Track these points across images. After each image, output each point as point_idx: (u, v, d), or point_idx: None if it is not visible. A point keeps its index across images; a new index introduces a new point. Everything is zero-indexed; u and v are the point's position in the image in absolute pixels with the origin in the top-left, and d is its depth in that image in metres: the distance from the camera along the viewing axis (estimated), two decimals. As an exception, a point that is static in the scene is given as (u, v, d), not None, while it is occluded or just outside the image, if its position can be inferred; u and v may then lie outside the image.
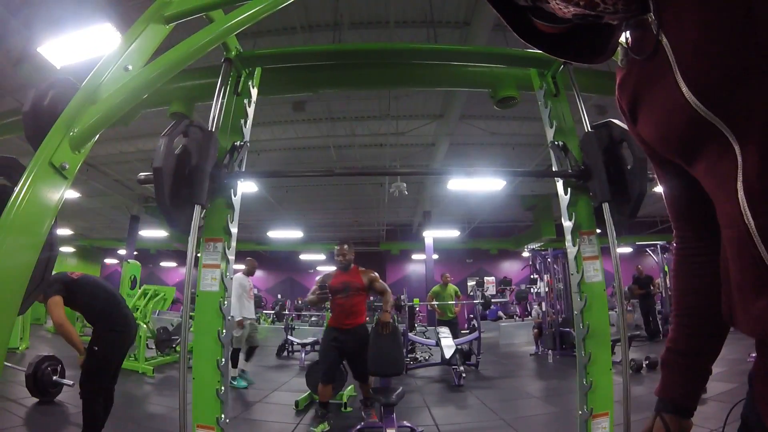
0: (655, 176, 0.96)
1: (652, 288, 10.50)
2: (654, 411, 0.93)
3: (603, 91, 5.65)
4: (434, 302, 8.71)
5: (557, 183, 2.38)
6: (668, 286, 10.90)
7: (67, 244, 20.05)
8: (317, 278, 4.39)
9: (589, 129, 2.24)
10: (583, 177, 2.22)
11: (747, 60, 0.62)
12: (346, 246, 4.38)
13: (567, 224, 2.31)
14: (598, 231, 2.29)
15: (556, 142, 2.36)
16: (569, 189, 2.31)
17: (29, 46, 4.72)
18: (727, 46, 0.63)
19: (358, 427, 3.85)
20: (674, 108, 0.73)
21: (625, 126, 2.16)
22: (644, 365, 6.21)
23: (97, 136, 1.49)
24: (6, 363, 5.55)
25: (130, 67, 1.67)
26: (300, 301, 16.43)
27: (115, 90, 1.53)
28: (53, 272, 3.31)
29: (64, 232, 18.00)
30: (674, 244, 0.97)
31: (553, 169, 2.43)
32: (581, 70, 2.44)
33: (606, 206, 2.10)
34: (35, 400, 4.35)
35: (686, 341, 0.92)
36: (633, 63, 0.87)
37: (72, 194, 10.97)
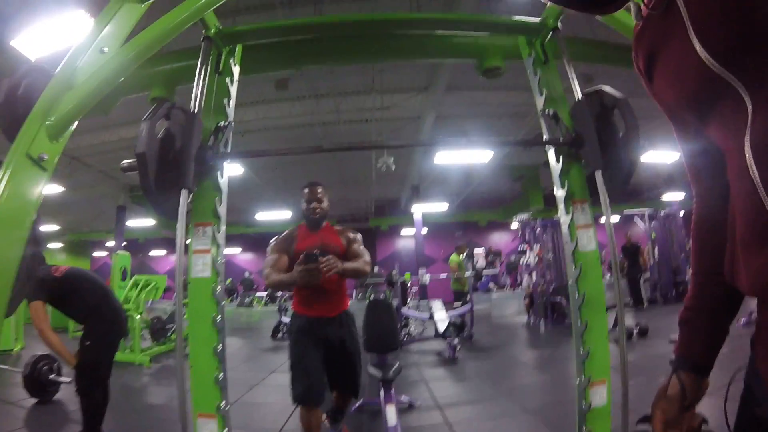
0: (675, 136, 0.94)
1: (641, 258, 10.66)
2: (671, 369, 0.93)
3: (590, 59, 5.60)
4: (457, 274, 8.69)
5: (549, 152, 2.35)
6: (656, 252, 11.11)
7: (55, 239, 19.83)
8: (270, 244, 2.84)
9: (580, 97, 2.21)
10: (575, 145, 2.20)
11: (761, 24, 0.61)
12: (320, 188, 2.88)
13: (559, 193, 2.28)
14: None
15: (546, 111, 2.33)
16: (561, 157, 2.29)
17: (1, 40, 4.54)
18: (739, 9, 0.63)
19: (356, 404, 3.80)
20: (689, 66, 0.73)
21: (617, 93, 2.13)
22: (635, 333, 6.32)
23: (76, 123, 1.43)
24: (1, 366, 5.55)
25: (106, 50, 1.60)
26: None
27: (91, 74, 1.46)
28: (39, 270, 3.26)
29: (51, 227, 17.78)
30: (693, 204, 0.96)
31: (544, 138, 2.40)
32: (569, 39, 2.39)
33: (599, 174, 2.08)
34: (34, 400, 4.30)
35: (704, 300, 0.92)
36: (648, 18, 0.85)
37: (56, 188, 10.78)
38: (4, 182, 1.22)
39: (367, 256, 2.80)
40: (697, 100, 0.75)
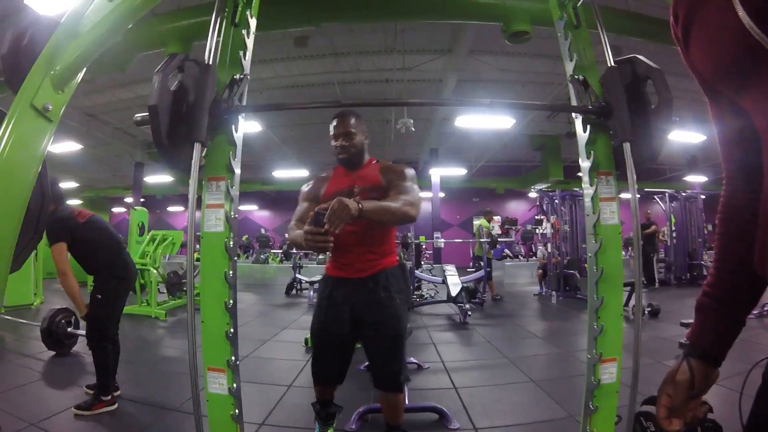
0: (709, 111, 0.87)
1: (657, 236, 10.54)
2: (682, 354, 0.89)
3: (620, 31, 5.39)
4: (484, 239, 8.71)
5: (576, 120, 2.25)
6: (673, 234, 10.97)
7: (74, 196, 20.18)
8: (301, 190, 2.50)
9: (612, 64, 2.09)
10: (603, 114, 2.09)
11: None
12: (352, 119, 2.33)
13: (584, 164, 2.19)
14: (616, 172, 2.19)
15: (576, 76, 2.21)
16: (588, 126, 2.18)
17: None
18: None
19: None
20: (728, 32, 0.66)
21: (651, 63, 2.01)
22: (646, 312, 6.27)
23: (82, 73, 1.38)
24: (21, 320, 5.76)
25: (114, -3, 1.53)
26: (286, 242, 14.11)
27: (97, 22, 1.40)
28: (63, 210, 3.28)
29: (69, 185, 18.06)
30: (723, 185, 0.90)
31: (572, 105, 2.29)
32: (601, 7, 2.26)
33: (627, 146, 1.98)
34: (52, 353, 4.42)
35: (724, 288, 0.87)
36: None
37: (74, 146, 10.88)
38: (7, 133, 1.19)
39: (412, 195, 2.12)
40: (735, 69, 0.69)
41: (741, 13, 0.62)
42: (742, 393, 0.87)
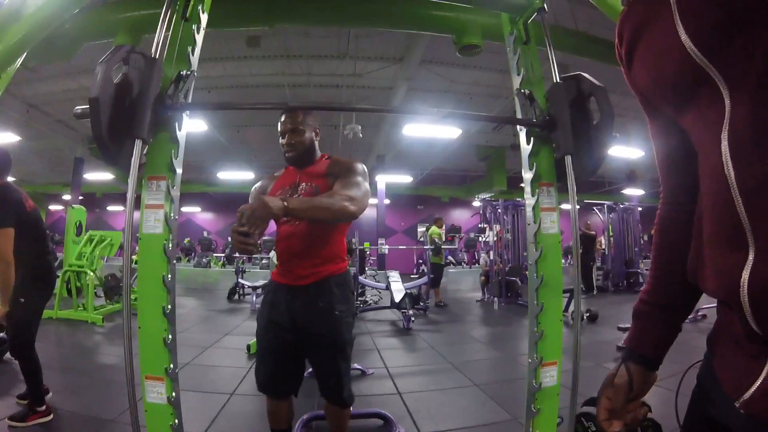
0: (648, 127, 0.92)
1: (598, 246, 11.08)
2: (621, 359, 0.93)
3: (568, 49, 5.64)
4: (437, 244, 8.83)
5: (520, 132, 2.33)
6: (611, 244, 11.57)
7: (10, 191, 18.74)
8: (253, 189, 2.41)
9: (558, 80, 2.19)
10: (547, 127, 2.19)
11: (741, 11, 0.59)
12: (299, 116, 2.18)
13: (527, 174, 2.28)
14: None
15: (522, 90, 2.30)
16: (532, 139, 2.27)
17: None
18: None
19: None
20: (669, 52, 0.70)
21: (594, 80, 2.13)
22: (585, 318, 6.57)
23: (22, 58, 1.30)
24: None
25: (59, -20, 1.45)
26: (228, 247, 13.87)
27: (42, 4, 1.33)
28: (13, 190, 2.97)
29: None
30: (660, 199, 0.95)
31: (518, 117, 2.38)
32: (550, 25, 2.36)
33: (568, 159, 2.08)
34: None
35: (660, 294, 0.92)
36: (635, 2, 0.82)
37: (12, 138, 10.16)
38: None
39: (355, 190, 1.97)
40: (675, 88, 0.73)
41: (683, 36, 0.67)
42: (678, 393, 0.92)
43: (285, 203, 1.64)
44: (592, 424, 2.13)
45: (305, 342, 2.09)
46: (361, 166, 2.17)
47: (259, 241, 1.60)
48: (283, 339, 2.09)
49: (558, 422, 2.07)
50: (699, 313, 6.23)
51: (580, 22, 5.97)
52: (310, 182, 2.13)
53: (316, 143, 2.26)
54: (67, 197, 17.79)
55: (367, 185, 2.08)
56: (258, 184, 2.37)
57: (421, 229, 18.88)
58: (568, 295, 5.85)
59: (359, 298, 7.99)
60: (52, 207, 22.67)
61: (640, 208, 12.39)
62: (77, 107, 1.91)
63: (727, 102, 0.62)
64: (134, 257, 2.51)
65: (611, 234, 11.85)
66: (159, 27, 1.96)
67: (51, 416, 2.97)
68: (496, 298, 9.04)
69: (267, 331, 2.12)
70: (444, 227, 10.06)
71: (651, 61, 0.78)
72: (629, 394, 0.88)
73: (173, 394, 1.92)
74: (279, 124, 2.20)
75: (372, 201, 17.57)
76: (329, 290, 2.07)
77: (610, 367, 0.95)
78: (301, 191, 2.11)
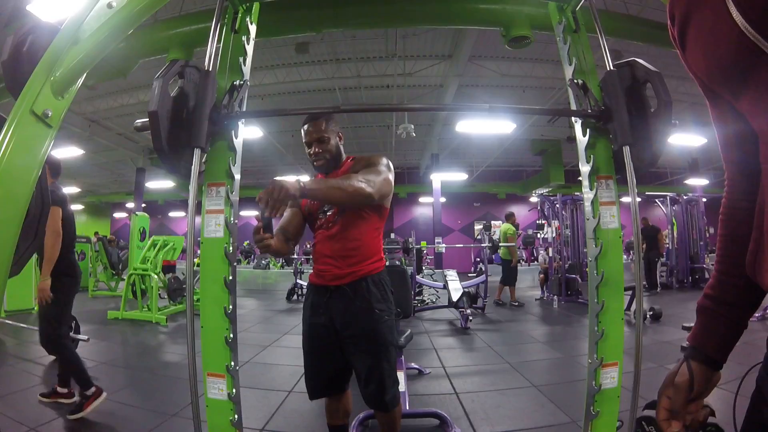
0: (710, 113, 0.86)
1: (664, 241, 10.50)
2: (683, 356, 0.88)
3: (619, 34, 5.40)
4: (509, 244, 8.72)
5: (575, 124, 2.25)
6: (674, 238, 10.94)
7: (76, 201, 20.22)
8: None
9: (611, 68, 2.09)
10: (603, 118, 2.09)
11: None
12: (322, 124, 2.15)
13: (584, 168, 2.19)
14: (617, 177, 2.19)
15: (575, 80, 2.21)
16: (588, 130, 2.18)
17: (18, 4, 4.47)
18: None
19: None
20: (723, 33, 0.65)
21: (650, 66, 2.02)
22: (648, 317, 6.25)
23: (82, 79, 1.39)
24: (21, 324, 5.74)
25: (114, 4, 1.54)
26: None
27: (98, 27, 1.41)
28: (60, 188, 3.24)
29: (71, 189, 18.15)
30: (725, 187, 0.89)
31: (572, 109, 2.29)
32: (600, 11, 2.26)
33: (626, 150, 1.98)
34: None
35: (725, 290, 0.86)
36: None
37: (76, 151, 10.95)
38: (7, 138, 1.20)
39: (372, 175, 1.94)
40: (732, 71, 0.68)
41: (735, 14, 0.62)
42: (737, 396, 0.86)
43: (301, 183, 1.65)
44: (653, 428, 2.02)
45: (346, 344, 2.04)
46: (383, 159, 2.12)
47: (295, 247, 1.70)
48: (326, 341, 2.07)
49: (618, 426, 1.98)
50: (767, 311, 5.77)
51: (630, 5, 5.70)
52: None
53: (341, 147, 2.24)
54: (130, 205, 18.92)
55: (388, 174, 2.05)
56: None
57: (478, 227, 18.63)
58: (630, 292, 5.60)
59: (417, 298, 7.98)
60: (117, 215, 24.16)
61: (704, 199, 11.65)
62: (137, 120, 2.01)
63: None
64: (196, 260, 2.62)
65: (675, 227, 11.16)
66: (210, 40, 2.04)
67: (104, 395, 3.12)
68: (555, 297, 8.77)
69: (310, 335, 2.13)
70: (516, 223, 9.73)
71: (703, 42, 0.73)
72: (690, 394, 0.84)
73: (233, 390, 1.99)
74: (303, 134, 2.17)
75: (427, 200, 17.51)
76: (367, 289, 2.03)
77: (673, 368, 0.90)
78: None
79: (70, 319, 3.27)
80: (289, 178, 1.62)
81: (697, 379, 0.84)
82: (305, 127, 2.14)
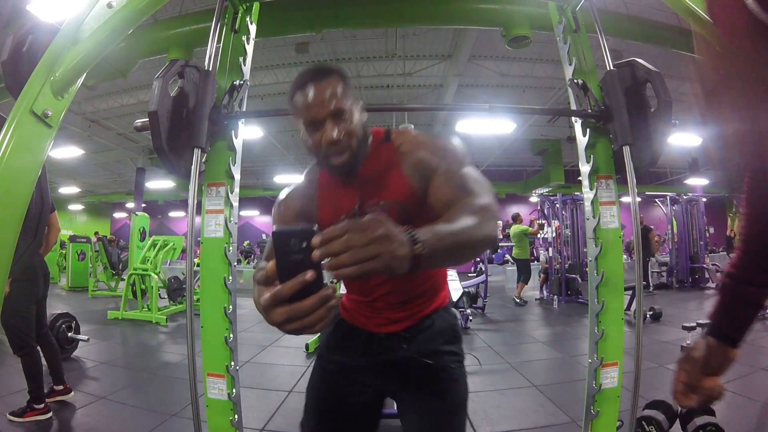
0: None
1: (655, 240, 10.48)
2: (703, 333, 0.90)
3: (619, 34, 5.39)
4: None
5: (575, 124, 2.25)
6: (675, 238, 10.90)
7: (76, 201, 20.19)
8: (274, 208, 1.33)
9: (611, 68, 2.10)
10: (603, 118, 2.10)
11: None
12: (339, 85, 1.09)
13: (584, 167, 2.20)
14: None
15: (575, 80, 2.21)
16: (588, 130, 2.19)
17: (18, 5, 4.46)
18: None
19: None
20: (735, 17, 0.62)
21: (650, 66, 2.01)
22: (648, 316, 6.25)
23: (81, 79, 1.39)
24: None
25: (113, 4, 1.54)
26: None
27: (98, 27, 1.41)
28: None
29: (71, 190, 18.14)
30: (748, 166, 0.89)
31: (572, 109, 2.30)
32: (599, 10, 2.26)
33: (626, 150, 1.98)
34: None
35: (749, 270, 0.87)
36: None
37: (76, 151, 10.94)
38: (7, 138, 1.19)
39: (480, 189, 1.03)
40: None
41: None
42: None
43: (417, 248, 0.71)
44: (653, 428, 2.02)
45: (402, 415, 1.31)
46: (456, 142, 1.20)
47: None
48: (355, 411, 1.33)
49: (618, 426, 1.98)
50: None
51: (630, 6, 5.69)
52: (388, 198, 1.17)
53: (367, 126, 1.22)
54: (130, 205, 18.90)
55: (479, 173, 1.13)
56: (284, 205, 1.33)
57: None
58: (630, 292, 5.60)
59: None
60: (117, 215, 24.14)
61: (704, 199, 11.63)
62: (137, 120, 2.02)
63: None
64: (196, 260, 2.62)
65: (674, 227, 11.14)
66: (210, 40, 2.04)
67: (50, 414, 2.98)
68: (555, 297, 8.77)
69: (332, 399, 1.35)
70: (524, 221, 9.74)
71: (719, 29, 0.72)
72: (707, 370, 0.86)
73: (233, 390, 2.00)
74: (302, 107, 1.11)
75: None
76: (433, 332, 1.31)
77: (673, 368, 0.92)
78: (385, 196, 1.19)
79: (32, 326, 3.02)
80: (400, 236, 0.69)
81: (714, 356, 0.86)
82: (306, 91, 1.10)
